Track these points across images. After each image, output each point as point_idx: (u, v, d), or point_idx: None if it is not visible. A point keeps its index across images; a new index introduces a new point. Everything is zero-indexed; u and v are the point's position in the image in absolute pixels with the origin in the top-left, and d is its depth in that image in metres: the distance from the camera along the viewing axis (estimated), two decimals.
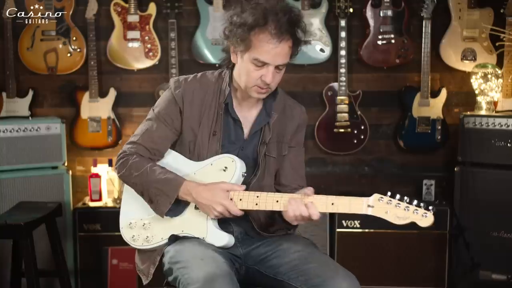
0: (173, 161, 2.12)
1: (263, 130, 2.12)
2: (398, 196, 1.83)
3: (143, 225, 2.11)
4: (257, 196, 1.97)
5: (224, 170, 2.03)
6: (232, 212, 1.97)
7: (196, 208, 2.04)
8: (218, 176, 2.03)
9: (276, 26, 1.92)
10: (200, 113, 2.09)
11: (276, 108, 2.14)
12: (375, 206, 1.84)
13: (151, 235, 2.09)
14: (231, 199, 1.98)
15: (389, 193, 1.84)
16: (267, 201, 1.96)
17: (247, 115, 2.13)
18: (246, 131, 2.12)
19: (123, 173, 2.09)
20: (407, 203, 1.81)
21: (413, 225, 1.82)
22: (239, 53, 2.01)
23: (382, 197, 1.83)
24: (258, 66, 1.97)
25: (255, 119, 2.13)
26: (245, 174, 2.04)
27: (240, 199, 1.98)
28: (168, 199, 2.01)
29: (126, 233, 2.15)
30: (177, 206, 2.05)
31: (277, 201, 1.95)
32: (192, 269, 1.85)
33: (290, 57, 2.02)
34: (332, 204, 1.90)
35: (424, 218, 1.80)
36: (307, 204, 1.91)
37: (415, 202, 1.81)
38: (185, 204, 2.06)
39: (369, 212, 1.84)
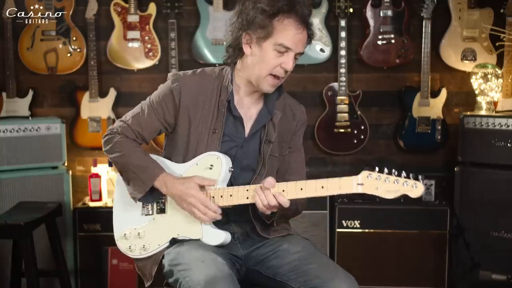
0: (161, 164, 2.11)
1: (267, 129, 2.11)
2: (386, 170, 1.82)
3: (138, 234, 2.11)
4: (247, 190, 1.96)
5: (210, 168, 2.02)
6: (205, 204, 1.97)
7: None
8: (205, 175, 2.02)
9: (301, 14, 1.98)
10: (198, 109, 2.08)
11: (278, 106, 2.14)
12: (364, 183, 1.83)
13: (148, 243, 2.09)
14: (213, 197, 1.98)
15: (377, 168, 1.83)
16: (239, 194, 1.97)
17: (248, 113, 2.12)
18: (247, 129, 2.11)
19: (108, 149, 2.12)
20: (395, 176, 1.81)
21: (405, 198, 1.84)
22: (255, 42, 2.00)
23: (370, 174, 1.82)
24: (280, 53, 1.98)
25: (256, 117, 2.12)
26: (232, 169, 2.03)
27: (231, 195, 1.98)
28: (143, 187, 2.03)
29: (122, 244, 2.15)
30: (151, 194, 2.07)
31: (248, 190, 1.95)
32: (193, 271, 1.85)
33: None
34: (322, 187, 1.88)
35: (415, 189, 1.79)
36: (275, 194, 1.91)
37: (403, 174, 1.81)
38: (159, 193, 2.07)
39: (360, 190, 1.83)
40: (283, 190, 1.92)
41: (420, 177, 1.80)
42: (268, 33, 1.97)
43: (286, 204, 1.91)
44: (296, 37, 1.98)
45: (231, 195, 1.98)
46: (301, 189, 1.91)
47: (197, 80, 2.10)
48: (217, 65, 2.20)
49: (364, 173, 1.83)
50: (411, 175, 1.80)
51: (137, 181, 2.04)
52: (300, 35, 1.99)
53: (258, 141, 2.12)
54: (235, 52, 2.09)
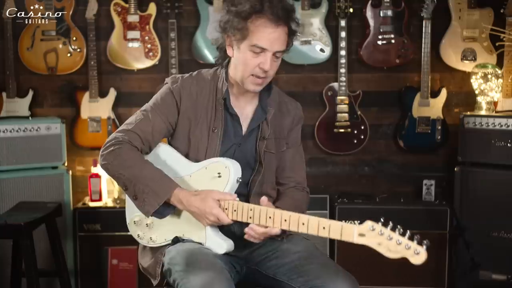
0: (171, 158, 2.10)
1: (261, 126, 2.13)
2: (390, 224, 1.68)
3: (147, 225, 2.11)
4: (251, 209, 1.92)
5: (219, 176, 2.01)
6: (222, 221, 1.95)
7: None
8: (212, 182, 2.00)
9: (272, 12, 1.96)
10: (197, 109, 2.09)
11: (271, 104, 2.15)
12: (366, 235, 1.72)
13: (155, 236, 2.10)
14: (226, 208, 1.95)
15: (382, 220, 1.70)
16: (260, 216, 1.90)
17: (243, 111, 2.14)
18: (244, 127, 2.13)
19: (111, 161, 2.00)
20: (400, 234, 1.66)
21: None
22: (235, 44, 2.03)
23: (373, 227, 1.69)
24: (256, 53, 1.99)
25: (252, 116, 2.14)
26: (240, 180, 2.01)
27: (235, 210, 1.94)
28: (157, 200, 1.96)
29: (132, 230, 2.17)
30: (164, 209, 2.01)
31: (270, 217, 1.88)
32: (190, 274, 1.85)
33: (287, 46, 2.04)
34: (324, 228, 1.80)
35: (416, 256, 1.63)
36: (266, 231, 1.91)
37: (408, 234, 1.66)
38: (173, 208, 2.03)
39: (360, 241, 1.72)
40: (285, 220, 1.86)
41: (424, 242, 1.63)
42: (244, 35, 1.99)
43: (277, 233, 1.94)
44: (270, 36, 1.97)
45: (235, 210, 1.95)
46: (303, 224, 1.83)
47: (195, 82, 2.13)
48: (215, 64, 2.22)
49: (367, 224, 1.71)
50: (415, 238, 1.64)
51: (149, 194, 1.96)
52: (275, 33, 1.98)
53: (255, 139, 2.14)
54: (222, 53, 2.12)
